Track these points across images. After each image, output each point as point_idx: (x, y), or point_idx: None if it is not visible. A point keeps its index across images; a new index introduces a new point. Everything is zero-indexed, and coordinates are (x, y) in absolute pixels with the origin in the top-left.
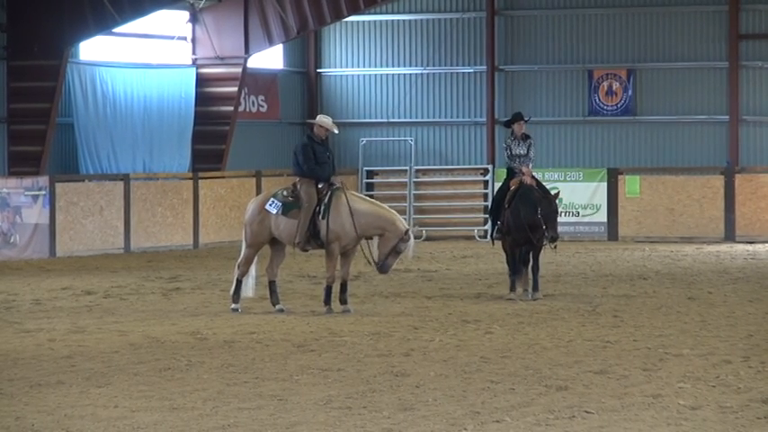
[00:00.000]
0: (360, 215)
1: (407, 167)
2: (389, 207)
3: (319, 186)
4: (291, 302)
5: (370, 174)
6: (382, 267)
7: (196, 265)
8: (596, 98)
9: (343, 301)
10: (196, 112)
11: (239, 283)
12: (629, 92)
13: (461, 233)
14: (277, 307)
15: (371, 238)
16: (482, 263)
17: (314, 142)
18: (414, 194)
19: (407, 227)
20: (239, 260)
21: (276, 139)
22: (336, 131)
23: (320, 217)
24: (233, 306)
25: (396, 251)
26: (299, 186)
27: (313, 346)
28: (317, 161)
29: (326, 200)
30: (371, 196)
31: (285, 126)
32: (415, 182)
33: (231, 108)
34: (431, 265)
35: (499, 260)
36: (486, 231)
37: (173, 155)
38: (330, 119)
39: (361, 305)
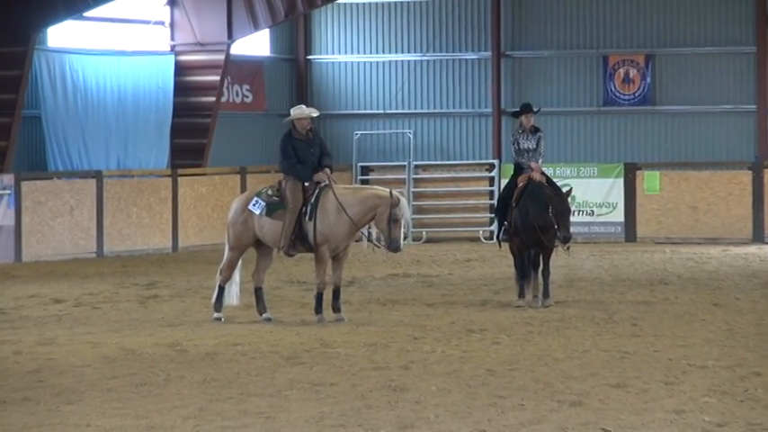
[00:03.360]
0: (349, 208)
1: (406, 163)
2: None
3: (305, 185)
4: (279, 311)
5: (366, 170)
6: (392, 245)
7: (175, 270)
8: (612, 86)
9: (335, 309)
10: (175, 104)
11: (222, 289)
12: (648, 79)
13: (465, 234)
14: (264, 316)
15: (361, 237)
16: (488, 267)
17: (293, 138)
18: (413, 192)
19: (390, 190)
20: (222, 265)
21: (262, 133)
22: (315, 114)
23: (307, 218)
24: (215, 315)
25: (393, 220)
26: (284, 185)
27: (303, 358)
28: (297, 159)
29: (313, 199)
30: None
31: (272, 118)
32: (414, 179)
33: (213, 99)
34: (432, 270)
35: (506, 264)
36: (491, 232)
37: (149, 150)
38: (303, 106)
39: (356, 313)
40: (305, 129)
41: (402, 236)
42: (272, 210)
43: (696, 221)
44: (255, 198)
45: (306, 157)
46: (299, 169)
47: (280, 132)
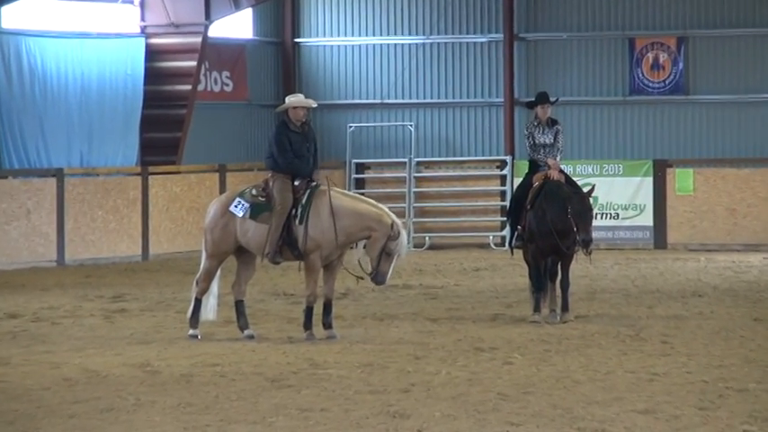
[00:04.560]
0: (341, 216)
1: (406, 159)
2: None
3: (296, 183)
4: (264, 327)
5: (361, 167)
6: (377, 277)
7: (145, 281)
8: (639, 73)
9: (326, 325)
10: (145, 93)
11: (199, 302)
12: (680, 65)
13: (473, 240)
14: (245, 332)
15: (355, 246)
16: (499, 277)
17: (289, 130)
18: (414, 193)
19: (393, 218)
20: (198, 275)
21: (244, 126)
22: (314, 105)
23: (297, 221)
24: (191, 332)
25: (386, 253)
26: (271, 184)
27: (290, 380)
28: (293, 153)
29: (305, 200)
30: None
31: (255, 109)
32: (415, 177)
33: (189, 87)
34: (435, 280)
35: (520, 273)
36: (503, 238)
37: (116, 145)
38: (301, 95)
39: (350, 329)
40: (300, 120)
41: (391, 271)
42: (257, 212)
43: (734, 225)
44: (238, 199)
45: (302, 152)
46: (298, 164)
47: (263, 125)
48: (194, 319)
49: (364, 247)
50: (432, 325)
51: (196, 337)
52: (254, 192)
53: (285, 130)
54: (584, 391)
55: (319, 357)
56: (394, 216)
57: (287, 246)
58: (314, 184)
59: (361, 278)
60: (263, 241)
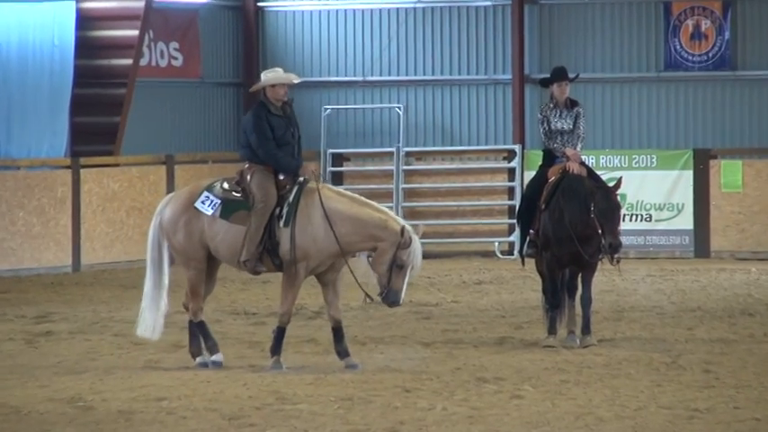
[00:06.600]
0: (337, 222)
1: (393, 149)
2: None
3: (280, 177)
4: (221, 352)
5: (338, 159)
6: (389, 296)
7: (77, 296)
8: (677, 44)
9: (342, 353)
10: (76, 67)
11: (200, 325)
12: (726, 34)
13: (475, 247)
14: (198, 360)
15: (355, 254)
16: (506, 292)
17: (270, 113)
18: (403, 190)
19: (402, 223)
20: (184, 298)
21: (196, 108)
22: (296, 81)
23: (281, 223)
24: (199, 360)
25: (398, 266)
26: (248, 176)
27: (253, 417)
28: (276, 142)
29: (292, 197)
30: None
31: (209, 88)
32: (404, 170)
33: (129, 61)
34: (429, 296)
35: (532, 288)
36: (512, 244)
37: (41, 132)
38: (280, 70)
39: (325, 356)
40: (280, 100)
41: (405, 287)
42: (230, 210)
43: None
44: (206, 193)
45: (286, 139)
46: (282, 157)
47: (219, 107)
48: (195, 347)
49: (369, 257)
50: (425, 350)
51: (206, 365)
52: (225, 185)
53: (265, 113)
54: (609, 430)
55: (287, 390)
56: (402, 220)
57: (267, 252)
58: (301, 179)
59: (371, 299)
60: (237, 247)
